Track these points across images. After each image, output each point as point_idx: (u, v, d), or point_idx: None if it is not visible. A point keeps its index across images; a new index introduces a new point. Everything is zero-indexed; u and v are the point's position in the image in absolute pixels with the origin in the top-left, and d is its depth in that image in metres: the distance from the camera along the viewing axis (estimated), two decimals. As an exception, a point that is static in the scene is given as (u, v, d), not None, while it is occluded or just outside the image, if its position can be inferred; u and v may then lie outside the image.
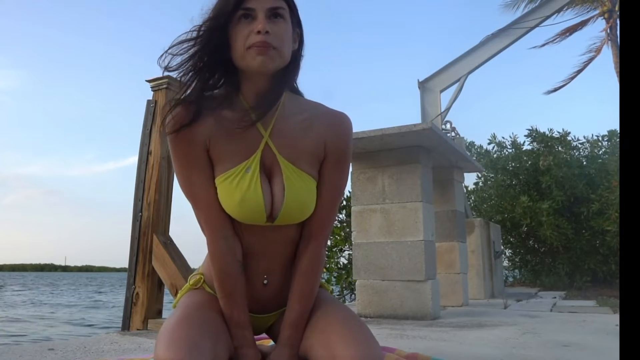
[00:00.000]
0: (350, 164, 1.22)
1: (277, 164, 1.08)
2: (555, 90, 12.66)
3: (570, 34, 12.15)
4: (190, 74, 1.06)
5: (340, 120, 1.14)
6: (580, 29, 12.08)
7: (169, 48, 1.05)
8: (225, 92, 1.11)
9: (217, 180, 1.08)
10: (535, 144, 8.50)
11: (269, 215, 1.07)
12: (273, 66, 1.04)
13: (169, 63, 1.05)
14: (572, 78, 12.50)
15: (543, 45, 11.90)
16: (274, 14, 1.03)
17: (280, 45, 1.03)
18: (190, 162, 1.08)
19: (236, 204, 1.05)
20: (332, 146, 1.12)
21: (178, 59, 1.05)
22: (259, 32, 1.00)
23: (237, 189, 1.05)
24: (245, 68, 1.05)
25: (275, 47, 1.02)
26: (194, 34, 1.06)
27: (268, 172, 1.09)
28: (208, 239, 1.10)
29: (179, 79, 1.07)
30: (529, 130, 8.49)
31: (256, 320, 1.19)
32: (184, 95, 1.07)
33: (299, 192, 1.07)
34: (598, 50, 12.20)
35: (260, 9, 1.02)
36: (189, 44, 1.05)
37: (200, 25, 1.06)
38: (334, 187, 1.13)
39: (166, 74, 1.08)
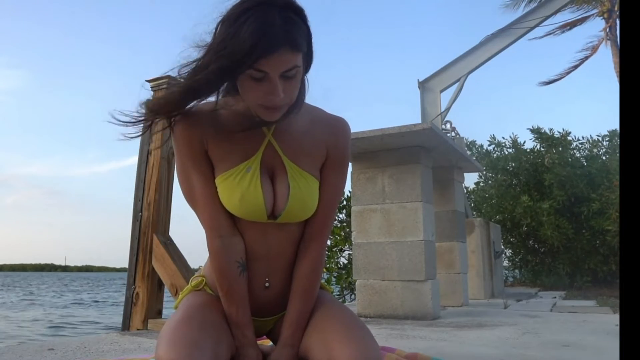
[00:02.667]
0: (349, 165, 1.25)
1: (281, 163, 1.10)
2: (550, 82, 12.68)
3: (570, 28, 12.17)
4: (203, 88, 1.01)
5: (340, 125, 1.17)
6: (580, 24, 12.11)
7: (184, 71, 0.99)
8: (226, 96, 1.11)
9: (218, 180, 1.09)
10: (538, 142, 8.51)
11: (271, 214, 1.09)
12: (281, 115, 1.02)
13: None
14: (567, 73, 12.54)
15: (543, 36, 11.92)
16: (286, 75, 0.96)
17: (290, 100, 1.01)
18: (190, 162, 1.09)
19: (236, 202, 1.07)
20: (333, 150, 1.14)
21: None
22: (273, 94, 0.96)
23: (238, 188, 1.06)
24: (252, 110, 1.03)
25: (286, 104, 1.00)
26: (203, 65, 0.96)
27: (270, 172, 1.10)
28: (206, 238, 1.12)
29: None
30: (532, 129, 8.49)
31: (257, 324, 1.19)
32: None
33: (303, 192, 1.09)
34: (594, 49, 12.22)
35: (275, 73, 0.94)
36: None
37: (204, 61, 0.96)
38: (334, 189, 1.16)
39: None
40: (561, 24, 11.86)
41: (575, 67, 12.47)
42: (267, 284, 1.15)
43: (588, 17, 11.98)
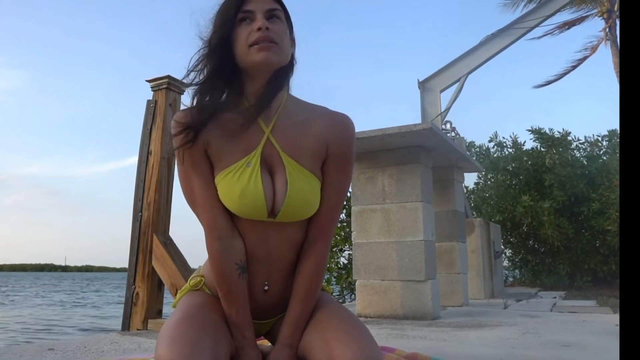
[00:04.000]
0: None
1: (280, 160, 1.09)
2: (546, 84, 12.69)
3: (569, 28, 12.18)
4: (205, 80, 1.11)
5: (343, 122, 1.13)
6: (579, 23, 12.11)
7: (191, 66, 1.12)
8: (227, 96, 1.12)
9: (218, 178, 1.08)
10: (538, 142, 8.51)
11: (271, 211, 1.07)
12: (276, 60, 1.07)
13: (192, 79, 1.12)
14: (565, 74, 12.55)
15: (542, 36, 11.93)
16: (271, 15, 1.08)
17: (280, 41, 1.07)
18: (190, 163, 1.09)
19: (236, 197, 1.06)
20: (335, 148, 1.11)
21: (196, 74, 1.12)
22: (259, 28, 1.05)
23: (238, 183, 1.06)
24: (248, 65, 1.08)
25: (276, 43, 1.06)
26: (207, 49, 1.11)
27: (270, 168, 1.09)
28: (206, 239, 1.11)
29: (196, 86, 1.12)
30: (531, 130, 8.49)
31: (255, 326, 1.18)
32: (196, 102, 1.11)
33: (301, 188, 1.08)
34: (594, 49, 12.22)
35: (259, 11, 1.08)
36: (204, 56, 1.11)
37: (210, 39, 1.11)
38: (337, 189, 1.13)
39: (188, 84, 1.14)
40: (560, 23, 11.87)
41: (574, 67, 12.48)
42: (266, 287, 1.14)
43: (587, 16, 11.99)
